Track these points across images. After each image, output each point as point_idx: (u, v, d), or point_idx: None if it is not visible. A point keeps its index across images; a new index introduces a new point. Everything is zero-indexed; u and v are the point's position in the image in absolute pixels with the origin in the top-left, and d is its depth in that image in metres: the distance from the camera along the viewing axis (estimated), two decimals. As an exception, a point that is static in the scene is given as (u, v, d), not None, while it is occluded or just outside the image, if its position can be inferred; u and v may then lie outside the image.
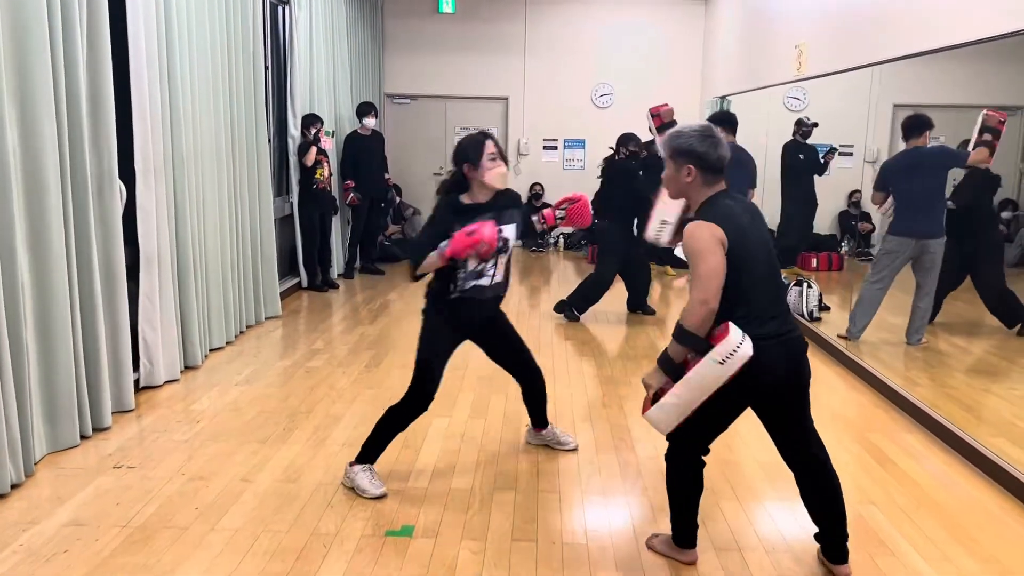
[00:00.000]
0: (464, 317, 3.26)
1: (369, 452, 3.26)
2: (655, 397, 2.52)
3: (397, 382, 4.63)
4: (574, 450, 3.71)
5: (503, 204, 3.19)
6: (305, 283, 7.23)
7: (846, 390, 4.80)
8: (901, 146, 5.47)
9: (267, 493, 3.21)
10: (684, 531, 2.75)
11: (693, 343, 2.41)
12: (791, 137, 7.64)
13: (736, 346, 2.32)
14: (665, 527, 2.97)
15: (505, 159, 3.16)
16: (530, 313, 6.65)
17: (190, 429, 3.85)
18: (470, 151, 3.08)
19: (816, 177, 7.60)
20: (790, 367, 2.50)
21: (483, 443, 3.79)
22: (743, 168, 5.86)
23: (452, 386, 4.59)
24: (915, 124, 5.19)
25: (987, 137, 4.84)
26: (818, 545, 2.76)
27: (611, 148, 6.59)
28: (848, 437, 3.98)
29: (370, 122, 7.81)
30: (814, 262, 8.35)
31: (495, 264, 3.18)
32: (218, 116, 5.17)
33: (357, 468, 3.25)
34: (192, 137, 4.79)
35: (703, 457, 2.68)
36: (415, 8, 10.07)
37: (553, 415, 4.19)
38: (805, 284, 6.47)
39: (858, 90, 7.09)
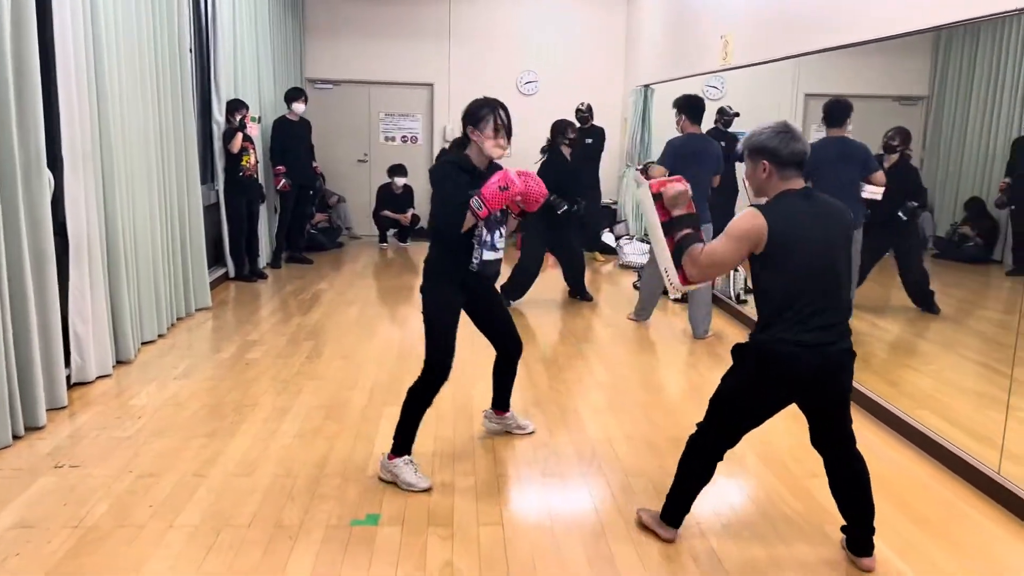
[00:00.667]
0: (469, 287, 3.27)
1: (405, 441, 3.23)
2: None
3: (341, 373, 4.60)
4: (531, 433, 3.76)
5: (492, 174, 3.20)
6: (232, 273, 7.05)
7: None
8: (813, 134, 5.71)
9: (223, 488, 3.14)
10: (676, 512, 2.81)
11: (675, 255, 2.74)
12: (713, 125, 7.83)
13: (673, 287, 2.78)
14: (628, 506, 3.06)
15: (510, 132, 3.15)
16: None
17: (132, 425, 3.72)
18: (479, 116, 3.11)
19: (737, 164, 7.84)
20: (823, 378, 2.52)
21: (437, 432, 3.80)
22: (701, 158, 5.61)
23: (400, 376, 4.58)
24: (840, 111, 5.31)
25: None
26: (843, 536, 2.80)
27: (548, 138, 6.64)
28: (785, 412, 4.15)
29: (299, 108, 7.66)
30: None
31: (502, 234, 3.22)
32: (145, 102, 4.98)
33: (398, 461, 3.20)
34: (120, 123, 4.60)
35: (727, 451, 2.72)
36: (337, -8, 9.88)
37: (503, 401, 4.23)
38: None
39: (773, 80, 7.35)
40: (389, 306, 6.36)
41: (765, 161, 2.54)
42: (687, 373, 4.93)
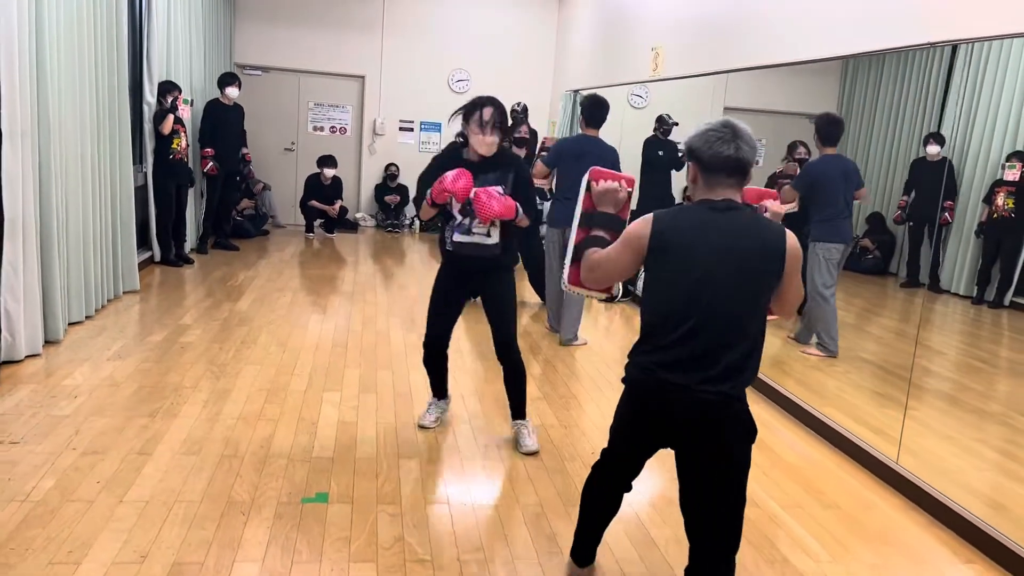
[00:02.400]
0: (458, 267, 3.53)
1: (435, 388, 3.83)
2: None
3: (279, 359, 4.65)
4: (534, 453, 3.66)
5: (493, 166, 3.36)
6: (158, 257, 6.94)
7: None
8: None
9: (170, 466, 3.18)
10: (581, 546, 2.56)
11: (576, 253, 2.51)
12: (652, 133, 8.03)
13: (568, 290, 2.60)
14: (565, 488, 3.25)
15: (504, 129, 3.33)
16: (396, 293, 6.74)
17: (68, 404, 3.70)
18: (470, 111, 3.31)
19: (674, 172, 8.00)
20: (682, 422, 2.12)
21: (378, 416, 3.90)
22: (587, 160, 5.57)
23: (337, 362, 4.66)
24: (837, 129, 5.34)
25: (782, 182, 5.45)
26: None
27: None
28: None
29: (232, 92, 7.59)
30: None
31: (479, 223, 3.37)
32: (82, 82, 4.90)
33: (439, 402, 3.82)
34: (58, 103, 4.53)
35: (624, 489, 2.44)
36: (270, -23, 9.78)
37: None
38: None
39: (695, 92, 7.70)
40: (320, 295, 6.39)
41: (691, 163, 2.19)
42: (617, 369, 5.16)
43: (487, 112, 3.29)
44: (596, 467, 2.44)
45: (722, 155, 2.10)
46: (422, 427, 3.78)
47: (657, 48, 6.98)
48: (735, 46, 5.62)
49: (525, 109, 8.87)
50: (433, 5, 10.28)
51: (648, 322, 2.18)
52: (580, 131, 5.58)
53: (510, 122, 8.00)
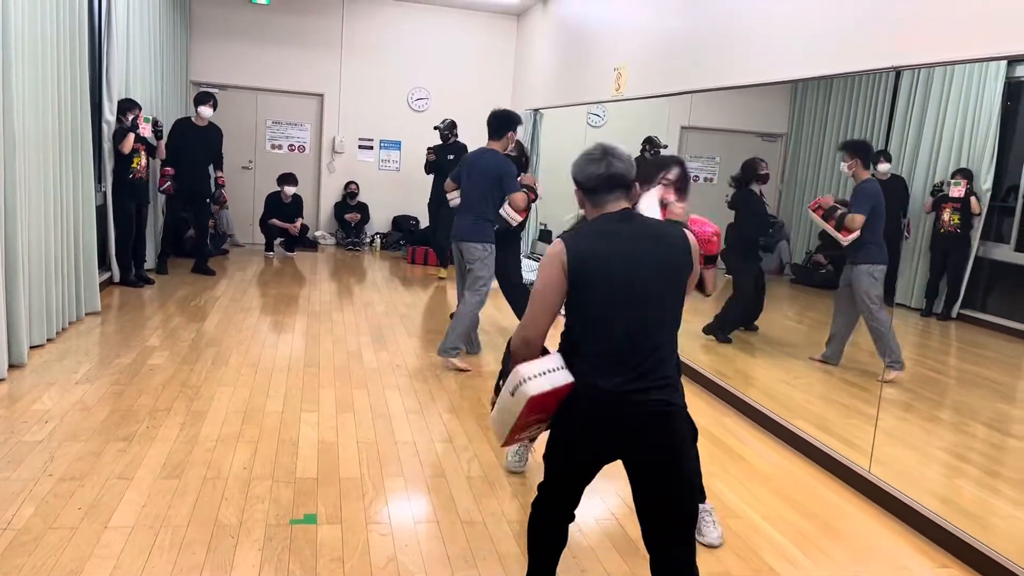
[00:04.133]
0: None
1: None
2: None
3: (252, 380, 4.60)
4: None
5: None
6: (117, 278, 6.80)
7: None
8: (690, 163, 6.17)
9: (152, 490, 3.13)
10: None
11: (504, 363, 2.23)
12: (639, 154, 8.08)
13: (520, 381, 2.07)
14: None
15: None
16: (363, 311, 6.71)
17: (41, 429, 3.61)
18: (658, 167, 2.95)
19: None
20: (626, 431, 2.09)
21: (358, 435, 3.89)
22: (475, 170, 5.17)
23: (311, 382, 4.64)
24: (872, 151, 5.27)
25: (840, 211, 5.37)
26: None
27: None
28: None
29: (205, 112, 7.47)
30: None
31: None
32: (46, 102, 4.82)
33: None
34: (22, 124, 4.45)
35: (569, 517, 2.32)
36: (227, -5, 9.71)
37: (423, 404, 4.38)
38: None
39: (651, 111, 7.87)
40: (287, 315, 6.34)
41: (575, 190, 2.26)
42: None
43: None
44: (536, 503, 2.32)
45: (594, 174, 2.18)
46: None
47: (620, 68, 7.12)
48: (694, 69, 5.78)
49: (450, 126, 8.71)
50: (392, 23, 10.31)
51: (578, 333, 2.15)
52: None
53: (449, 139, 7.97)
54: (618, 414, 2.08)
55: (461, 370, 5.10)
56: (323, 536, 2.90)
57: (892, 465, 3.79)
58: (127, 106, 6.62)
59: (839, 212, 5.38)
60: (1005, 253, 7.00)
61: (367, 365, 5.10)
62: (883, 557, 3.12)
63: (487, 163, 5.13)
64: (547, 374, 2.07)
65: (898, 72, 7.35)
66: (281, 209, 9.34)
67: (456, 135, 8.77)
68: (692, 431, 2.25)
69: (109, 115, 6.54)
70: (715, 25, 5.56)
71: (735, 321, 6.05)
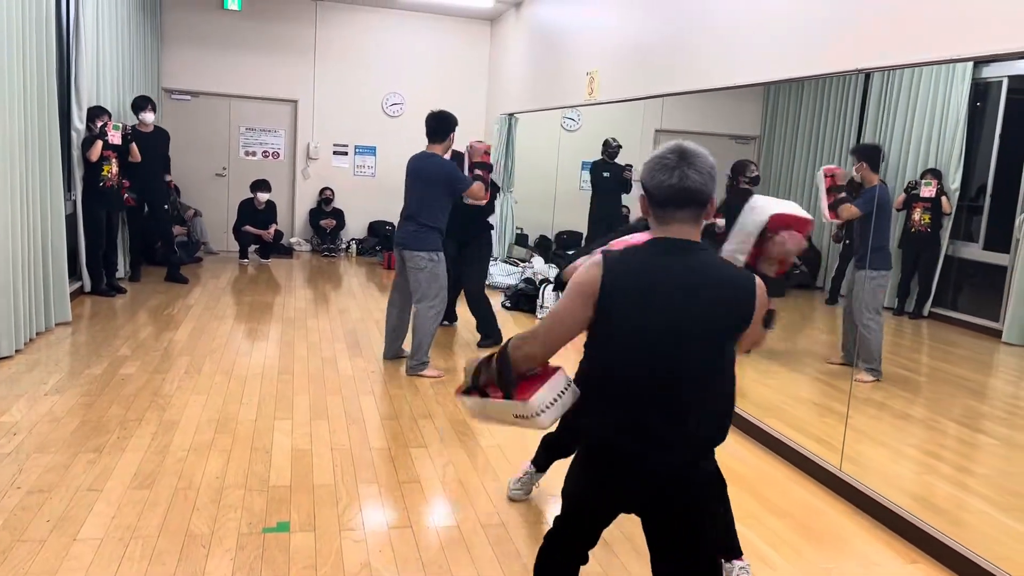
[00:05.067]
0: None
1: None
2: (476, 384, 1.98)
3: (225, 388, 4.56)
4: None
5: None
6: (88, 287, 6.72)
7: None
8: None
9: (122, 501, 3.09)
10: None
11: (504, 371, 1.90)
12: (600, 157, 8.14)
13: (534, 414, 1.86)
14: (524, 506, 3.28)
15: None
16: (338, 318, 6.68)
17: (9, 442, 3.56)
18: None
19: (624, 195, 8.06)
20: (641, 493, 1.91)
21: (333, 441, 3.87)
22: (416, 175, 5.07)
23: (285, 389, 4.61)
24: (881, 155, 5.37)
25: (842, 195, 5.40)
26: None
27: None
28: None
29: (147, 117, 7.36)
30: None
31: None
32: (12, 111, 4.75)
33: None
34: (-12, 126, 4.39)
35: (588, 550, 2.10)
36: (198, 2, 9.63)
37: (398, 410, 4.37)
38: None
39: (626, 116, 7.91)
40: (261, 322, 6.30)
41: (641, 195, 1.94)
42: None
43: None
44: (550, 536, 2.09)
45: (664, 184, 1.83)
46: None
47: (592, 73, 7.15)
48: (667, 72, 5.81)
49: None
50: (366, 29, 10.28)
51: (600, 378, 1.90)
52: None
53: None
54: (635, 474, 1.87)
55: (434, 378, 5.06)
56: (296, 544, 2.88)
57: (863, 463, 3.83)
58: (96, 113, 6.55)
59: (842, 195, 5.31)
60: (974, 252, 7.11)
61: (342, 372, 5.07)
62: (855, 554, 3.15)
63: (431, 169, 4.99)
64: (557, 401, 1.88)
65: (867, 74, 7.43)
66: (254, 216, 9.28)
67: None
68: (719, 485, 2.19)
69: (78, 123, 6.48)
70: (686, 29, 5.60)
71: None
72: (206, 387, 4.55)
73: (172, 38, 9.62)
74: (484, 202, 5.26)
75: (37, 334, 5.28)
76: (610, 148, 7.84)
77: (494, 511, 3.27)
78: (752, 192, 5.82)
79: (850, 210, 5.21)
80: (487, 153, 5.36)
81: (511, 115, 9.47)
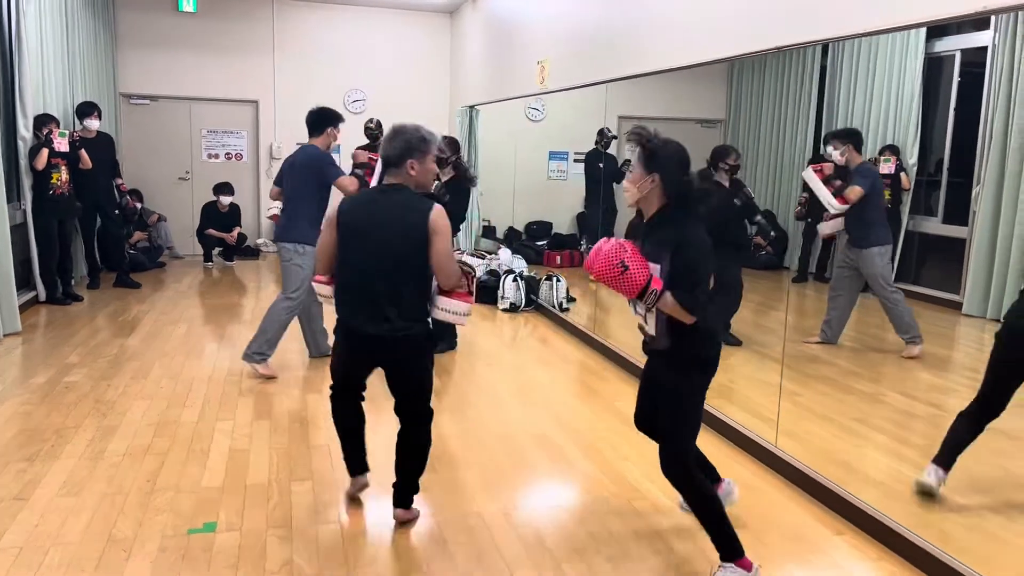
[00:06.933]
0: None
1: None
2: None
3: (170, 392, 4.55)
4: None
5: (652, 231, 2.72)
6: (43, 297, 6.67)
7: (595, 370, 5.41)
8: (625, 152, 6.19)
9: (47, 509, 3.07)
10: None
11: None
12: (593, 147, 8.09)
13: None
14: (460, 501, 3.28)
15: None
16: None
17: (-60, 454, 3.54)
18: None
19: (615, 185, 7.98)
20: (356, 345, 2.99)
21: (272, 441, 3.86)
22: (293, 169, 4.95)
23: (231, 391, 4.59)
24: (861, 137, 5.60)
25: (838, 182, 5.41)
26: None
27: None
28: (610, 415, 4.55)
29: (92, 124, 7.28)
30: (558, 259, 9.15)
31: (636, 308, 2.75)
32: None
33: None
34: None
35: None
36: (152, 4, 9.56)
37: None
38: (555, 279, 7.12)
39: (589, 104, 7.89)
40: (218, 325, 6.27)
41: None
42: (515, 376, 5.22)
43: None
44: (331, 391, 3.17)
45: (383, 152, 2.93)
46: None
47: (543, 62, 7.13)
48: (620, 55, 5.75)
49: (379, 125, 8.21)
50: (324, 25, 10.23)
51: (338, 282, 2.98)
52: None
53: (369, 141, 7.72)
54: (365, 340, 2.93)
55: (267, 377, 4.84)
56: (220, 543, 2.87)
57: (800, 438, 3.84)
58: (43, 121, 6.49)
59: (838, 183, 5.41)
60: (934, 226, 7.15)
61: (293, 371, 5.05)
62: (784, 528, 3.15)
63: (302, 159, 4.90)
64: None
65: (824, 52, 7.41)
66: (218, 219, 9.23)
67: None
68: (420, 348, 2.99)
69: (24, 131, 6.41)
70: (638, 9, 5.52)
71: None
72: (152, 391, 4.53)
73: (127, 42, 9.54)
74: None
75: (-16, 346, 5.24)
76: (605, 138, 7.75)
77: (427, 509, 3.26)
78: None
79: (856, 191, 5.25)
80: (371, 158, 5.25)
81: (472, 107, 9.44)
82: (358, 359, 3.04)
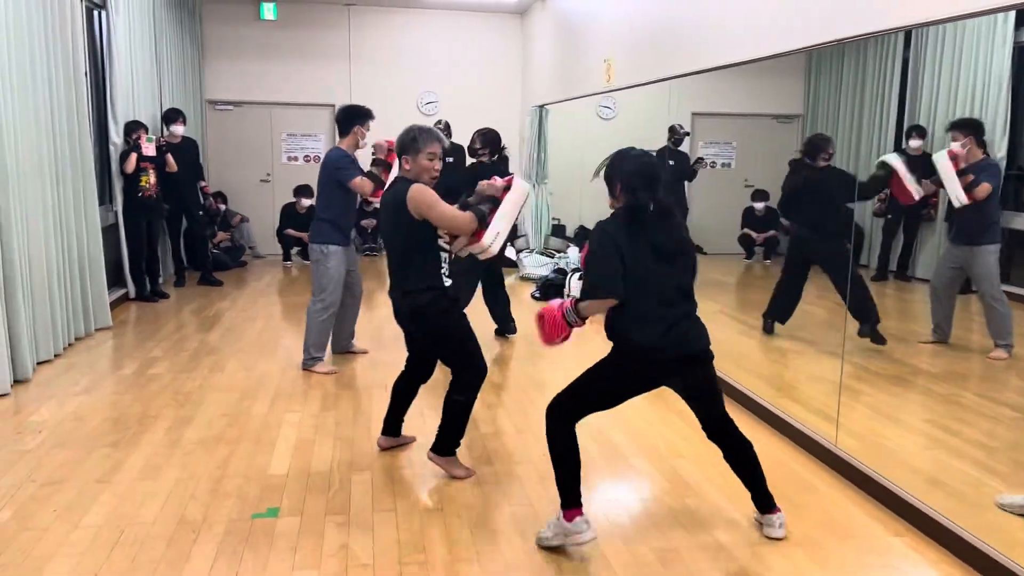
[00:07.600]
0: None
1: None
2: None
3: (244, 384, 4.76)
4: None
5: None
6: (133, 294, 7.05)
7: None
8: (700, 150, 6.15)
9: (126, 492, 3.28)
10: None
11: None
12: (665, 144, 8.01)
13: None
14: (512, 491, 3.34)
15: None
16: (371, 314, 6.83)
17: (32, 440, 3.80)
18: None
19: (686, 184, 7.86)
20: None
21: (337, 432, 4.01)
22: (323, 173, 5.05)
23: (301, 384, 4.77)
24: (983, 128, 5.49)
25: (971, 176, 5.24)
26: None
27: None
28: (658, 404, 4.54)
29: (178, 129, 7.64)
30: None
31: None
32: (39, 125, 5.04)
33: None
34: (14, 147, 4.66)
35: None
36: (236, 14, 9.96)
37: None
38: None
39: (661, 101, 7.82)
40: (292, 321, 6.50)
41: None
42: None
43: None
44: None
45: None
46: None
47: (608, 60, 7.13)
48: (689, 50, 5.68)
49: (447, 127, 8.47)
50: (398, 29, 10.45)
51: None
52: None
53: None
54: (395, 311, 3.56)
55: (328, 373, 4.99)
56: (281, 527, 3.01)
57: (862, 437, 3.77)
58: (132, 127, 6.86)
59: (971, 177, 4.99)
60: (1024, 222, 6.84)
61: (361, 363, 5.21)
62: (838, 527, 3.10)
63: (326, 161, 5.00)
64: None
65: (907, 42, 7.18)
66: (296, 219, 9.54)
67: (450, 135, 8.79)
68: (438, 313, 3.41)
69: (116, 137, 6.79)
70: (706, 2, 5.44)
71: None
72: (227, 384, 4.75)
73: (212, 51, 9.97)
74: (373, 199, 5.01)
75: (76, 339, 5.57)
76: (676, 135, 7.57)
77: (481, 496, 3.33)
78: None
79: (986, 188, 4.90)
80: (391, 151, 5.00)
81: (542, 107, 9.50)
82: (402, 328, 3.58)
